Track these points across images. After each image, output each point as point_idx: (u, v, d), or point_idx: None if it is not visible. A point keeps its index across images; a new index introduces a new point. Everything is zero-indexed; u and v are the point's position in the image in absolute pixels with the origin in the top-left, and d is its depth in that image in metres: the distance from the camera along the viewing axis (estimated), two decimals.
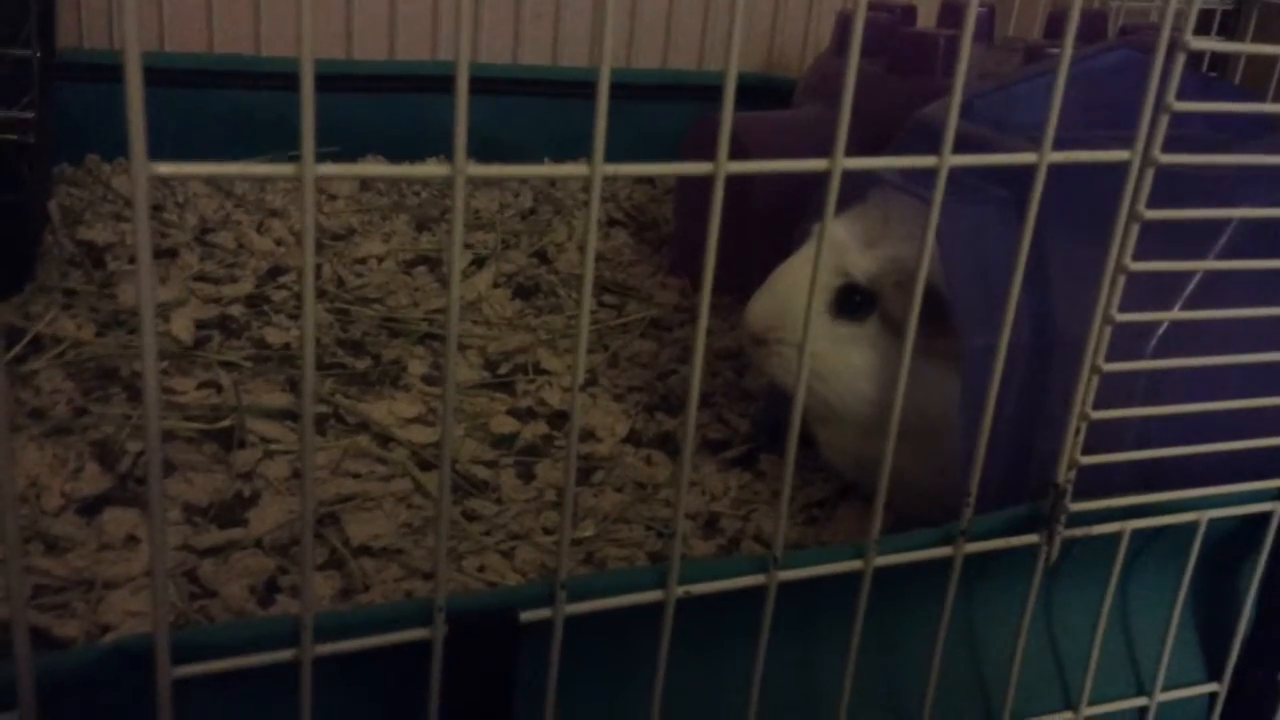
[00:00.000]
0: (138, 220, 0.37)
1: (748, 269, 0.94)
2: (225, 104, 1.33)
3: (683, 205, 1.31)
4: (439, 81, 1.42)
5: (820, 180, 0.47)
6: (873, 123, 1.03)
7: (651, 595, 0.51)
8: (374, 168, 0.40)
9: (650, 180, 1.53)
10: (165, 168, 0.38)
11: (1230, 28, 1.50)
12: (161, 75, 1.34)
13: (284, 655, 0.45)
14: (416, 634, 0.47)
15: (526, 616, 0.49)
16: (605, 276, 1.29)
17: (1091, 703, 0.64)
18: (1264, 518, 0.63)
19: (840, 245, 0.81)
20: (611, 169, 0.44)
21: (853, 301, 0.81)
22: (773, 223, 1.07)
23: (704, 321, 0.48)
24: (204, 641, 0.45)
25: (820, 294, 0.84)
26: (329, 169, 0.39)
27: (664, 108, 1.46)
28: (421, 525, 0.82)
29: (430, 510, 0.84)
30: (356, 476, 0.86)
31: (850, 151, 0.71)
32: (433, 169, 0.41)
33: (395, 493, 0.85)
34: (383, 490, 0.85)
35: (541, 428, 0.97)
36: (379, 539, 0.79)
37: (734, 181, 0.45)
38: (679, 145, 1.29)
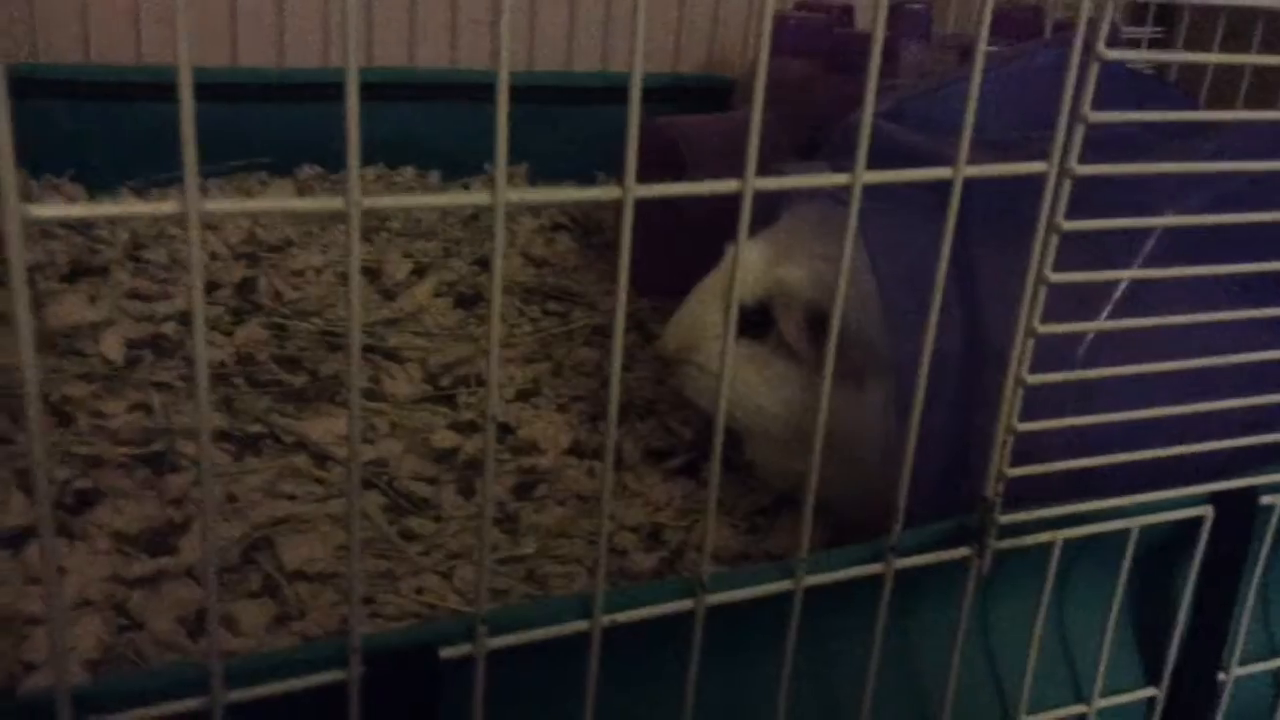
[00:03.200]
0: (14, 270, 0.35)
1: (691, 271, 0.93)
2: (153, 116, 1.30)
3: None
4: (371, 89, 1.40)
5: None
6: (811, 123, 1.02)
7: (577, 626, 0.50)
8: (264, 203, 0.39)
9: (593, 181, 1.51)
10: (42, 210, 0.37)
11: (1166, 19, 1.51)
12: (88, 88, 1.31)
13: (194, 704, 0.44)
14: (332, 676, 0.46)
15: (447, 653, 0.48)
16: (549, 283, 1.27)
17: (1030, 712, 0.64)
18: (1196, 522, 0.63)
19: (746, 266, 0.81)
20: (517, 195, 0.43)
21: (755, 321, 0.81)
22: (712, 225, 1.06)
23: (619, 340, 0.48)
24: (110, 692, 0.44)
25: (727, 315, 0.84)
26: (215, 205, 0.38)
27: (606, 111, 1.45)
28: (360, 547, 0.80)
29: (370, 531, 0.82)
30: (291, 498, 0.85)
31: (786, 153, 0.70)
32: (326, 203, 0.40)
33: (332, 514, 0.83)
34: (319, 512, 0.83)
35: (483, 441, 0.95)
36: (314, 563, 0.78)
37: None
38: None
